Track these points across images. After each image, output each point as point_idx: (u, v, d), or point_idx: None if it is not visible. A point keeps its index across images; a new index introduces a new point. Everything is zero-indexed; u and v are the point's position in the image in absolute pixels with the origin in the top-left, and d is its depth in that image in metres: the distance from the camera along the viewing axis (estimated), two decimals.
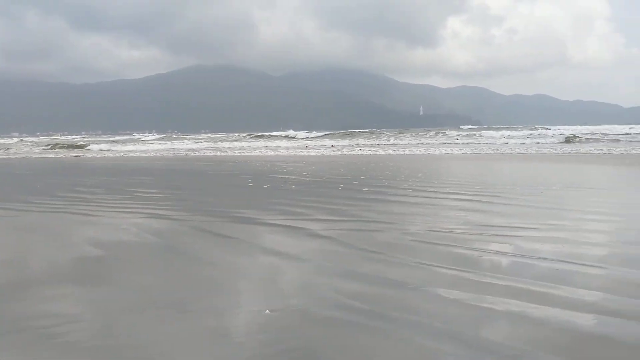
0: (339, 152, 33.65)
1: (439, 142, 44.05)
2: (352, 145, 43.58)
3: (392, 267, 4.92)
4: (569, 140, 39.46)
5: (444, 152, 31.74)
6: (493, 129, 53.60)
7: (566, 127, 52.90)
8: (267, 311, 3.81)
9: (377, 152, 32.77)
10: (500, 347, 3.11)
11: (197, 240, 6.39)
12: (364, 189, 11.46)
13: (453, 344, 3.18)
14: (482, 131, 51.54)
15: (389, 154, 31.10)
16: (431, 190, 11.20)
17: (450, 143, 42.63)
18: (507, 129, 53.35)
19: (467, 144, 40.98)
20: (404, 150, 34.04)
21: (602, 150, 28.82)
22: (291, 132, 63.58)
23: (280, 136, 61.16)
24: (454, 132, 51.86)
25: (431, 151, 32.41)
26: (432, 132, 52.88)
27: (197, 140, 62.24)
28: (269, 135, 64.51)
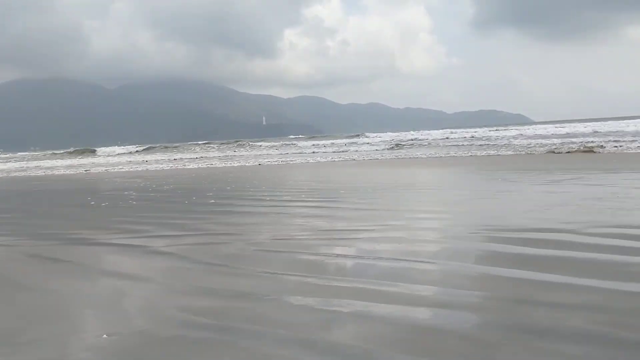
0: (181, 166, 32.74)
1: (283, 153, 44.79)
2: (187, 160, 42.67)
3: (238, 279, 4.84)
4: (394, 146, 42.23)
5: (290, 160, 32.28)
6: (328, 138, 56.21)
7: (396, 133, 57.18)
8: (105, 336, 3.54)
9: (216, 165, 32.43)
10: (347, 349, 3.17)
11: (27, 266, 5.81)
12: (209, 202, 11.24)
13: (302, 350, 3.18)
14: (302, 142, 54.11)
15: (231, 165, 30.92)
16: (276, 199, 11.31)
17: (292, 153, 43.57)
18: (336, 137, 56.34)
19: (310, 152, 42.15)
20: (248, 162, 34.05)
21: (425, 153, 31.23)
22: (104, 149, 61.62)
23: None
24: (304, 142, 53.62)
25: (274, 160, 32.80)
26: (279, 143, 54.16)
27: (21, 159, 57.00)
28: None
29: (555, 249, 5.35)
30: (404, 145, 42.72)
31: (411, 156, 29.90)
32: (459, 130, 51.84)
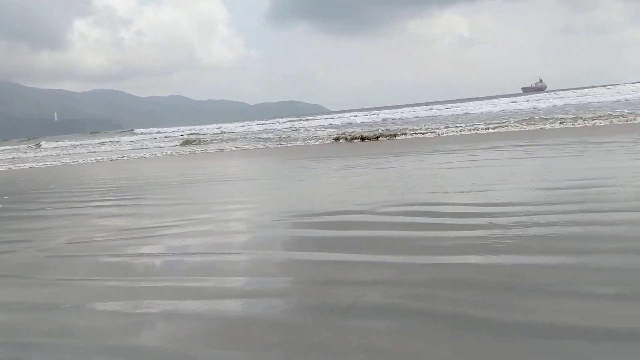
0: None
1: (73, 153, 41.61)
2: None
3: (30, 289, 4.43)
4: (187, 142, 39.44)
5: (89, 160, 30.10)
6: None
7: (200, 126, 56.75)
8: None
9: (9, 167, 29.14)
10: (158, 351, 3.07)
11: None
12: None
13: (108, 359, 3.00)
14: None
15: (23, 167, 27.99)
16: (74, 199, 10.50)
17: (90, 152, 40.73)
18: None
19: (105, 151, 39.76)
20: (42, 163, 31.06)
21: (227, 145, 31.38)
22: None
23: None
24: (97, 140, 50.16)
25: (69, 160, 30.39)
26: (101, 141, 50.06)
27: None
28: None
29: (353, 230, 5.74)
30: (198, 141, 41.72)
31: (213, 150, 29.76)
32: (254, 122, 53.00)
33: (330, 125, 41.45)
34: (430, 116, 39.67)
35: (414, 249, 4.77)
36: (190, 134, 47.22)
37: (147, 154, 28.67)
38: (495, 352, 2.75)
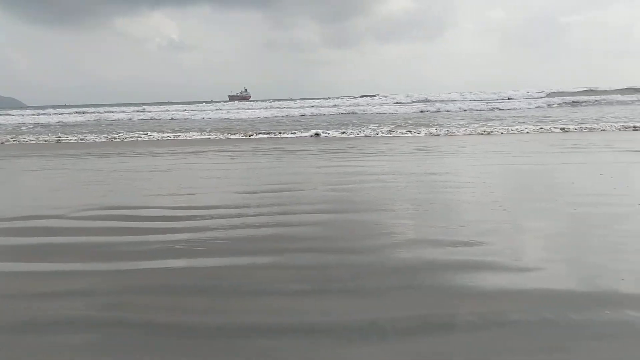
0: None
1: None
2: None
3: None
4: None
5: None
6: None
7: None
8: None
9: None
10: None
11: None
12: None
13: None
14: None
15: None
16: None
17: None
18: None
19: None
20: None
21: None
22: None
23: None
24: None
25: None
26: None
27: None
28: None
29: (41, 236, 5.15)
30: None
31: None
32: None
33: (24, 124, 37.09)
34: (144, 119, 38.37)
35: (110, 256, 4.47)
36: None
37: None
38: (192, 356, 2.69)
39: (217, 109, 43.31)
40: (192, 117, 35.11)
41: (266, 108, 43.01)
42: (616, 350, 2.60)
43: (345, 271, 3.89)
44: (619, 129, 15.21)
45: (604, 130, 15.28)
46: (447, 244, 4.45)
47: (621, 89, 40.21)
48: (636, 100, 29.69)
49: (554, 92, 39.57)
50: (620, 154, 10.21)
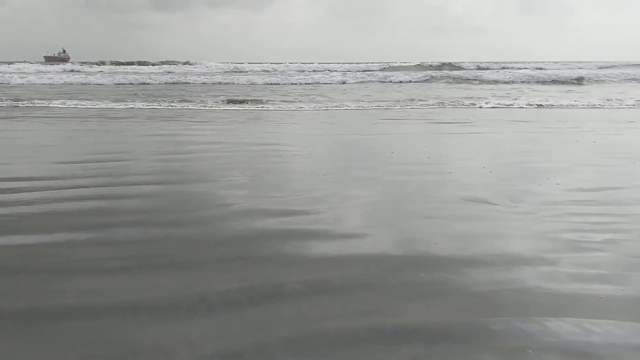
0: None
1: None
2: None
3: None
4: None
5: None
6: None
7: None
8: None
9: None
10: None
11: None
12: None
13: None
14: None
15: None
16: None
17: None
18: None
19: None
20: None
21: None
22: None
23: None
24: None
25: None
26: None
27: None
28: None
29: None
30: None
31: None
32: None
33: None
34: None
35: None
36: None
37: None
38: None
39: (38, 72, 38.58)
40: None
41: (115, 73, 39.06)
42: (430, 309, 2.83)
43: (173, 245, 3.78)
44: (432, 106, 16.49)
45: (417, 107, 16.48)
46: (278, 214, 4.51)
47: (441, 64, 41.95)
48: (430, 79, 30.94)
49: (385, 67, 40.90)
50: (434, 125, 11.14)
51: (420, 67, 39.32)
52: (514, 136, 9.59)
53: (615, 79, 28.67)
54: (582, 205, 4.73)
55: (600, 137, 9.03)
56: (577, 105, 15.43)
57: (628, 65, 38.95)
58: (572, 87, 23.86)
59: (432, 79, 30.23)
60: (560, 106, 15.11)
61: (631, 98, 16.75)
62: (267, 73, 36.55)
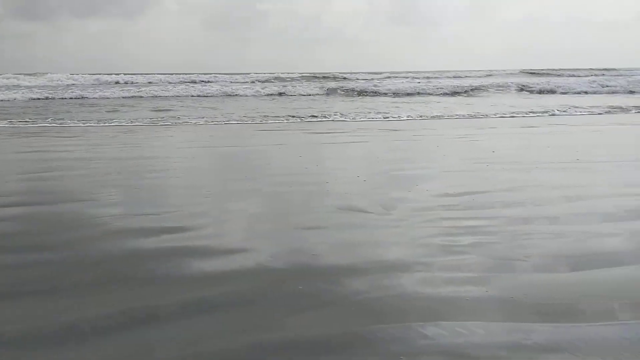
0: None
1: None
2: None
3: None
4: None
5: None
6: None
7: None
8: None
9: None
10: None
11: None
12: None
13: None
14: None
15: None
16: None
17: None
18: None
19: None
20: None
21: None
22: None
23: None
24: None
25: None
26: None
27: None
28: None
29: None
30: None
31: None
32: None
33: None
34: None
35: None
36: None
37: None
38: None
39: None
40: None
41: None
42: (310, 321, 2.85)
43: (39, 271, 3.52)
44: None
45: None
46: (154, 232, 4.35)
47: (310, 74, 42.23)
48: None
49: (262, 78, 40.57)
50: (310, 135, 11.36)
51: (304, 77, 39.47)
52: (385, 145, 10.01)
53: (492, 89, 29.83)
54: (450, 210, 5.02)
55: (466, 143, 9.70)
56: (443, 115, 16.28)
57: (494, 74, 41.32)
58: (443, 98, 25.12)
59: (320, 91, 29.96)
60: (433, 117, 15.86)
61: (492, 105, 18.12)
62: (135, 85, 35.08)
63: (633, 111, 16.17)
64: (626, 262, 3.67)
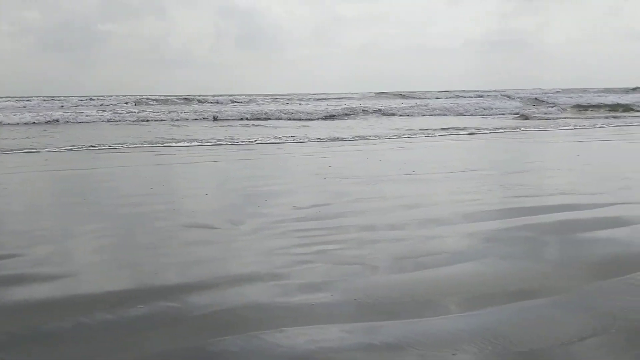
0: None
1: None
2: None
3: None
4: None
5: None
6: None
7: None
8: None
9: None
10: None
11: None
12: None
13: None
14: None
15: None
16: None
17: None
18: None
19: None
20: None
21: None
22: None
23: None
24: None
25: None
26: None
27: None
28: None
29: None
30: None
31: None
32: None
33: None
34: None
35: None
36: None
37: None
38: None
39: None
40: None
41: None
42: (149, 341, 2.69)
43: None
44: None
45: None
46: None
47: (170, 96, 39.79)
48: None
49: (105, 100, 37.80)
50: (157, 157, 10.90)
51: (155, 100, 37.27)
52: (236, 164, 9.94)
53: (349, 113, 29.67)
54: (297, 222, 5.05)
55: (313, 161, 9.92)
56: (295, 137, 15.94)
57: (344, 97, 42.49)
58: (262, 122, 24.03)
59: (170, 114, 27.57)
60: (280, 139, 15.60)
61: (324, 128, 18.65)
62: None
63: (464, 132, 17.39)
64: (462, 260, 3.94)
